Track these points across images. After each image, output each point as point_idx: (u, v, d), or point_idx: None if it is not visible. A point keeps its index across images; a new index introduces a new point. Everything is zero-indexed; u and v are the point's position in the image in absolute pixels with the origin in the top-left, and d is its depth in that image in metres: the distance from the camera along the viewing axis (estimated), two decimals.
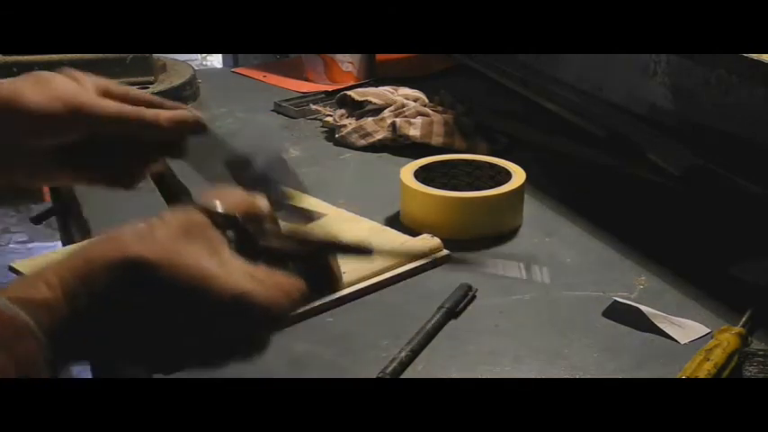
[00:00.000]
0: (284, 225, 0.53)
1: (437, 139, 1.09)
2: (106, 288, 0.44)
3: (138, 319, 0.46)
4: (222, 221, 0.48)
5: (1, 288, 0.44)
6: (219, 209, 0.49)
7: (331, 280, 0.53)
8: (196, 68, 1.38)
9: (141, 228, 0.47)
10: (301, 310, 0.50)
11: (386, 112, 1.14)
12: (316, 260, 0.52)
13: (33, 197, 2.55)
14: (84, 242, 0.49)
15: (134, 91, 0.62)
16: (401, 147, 1.10)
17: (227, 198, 0.50)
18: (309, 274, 0.50)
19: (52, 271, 0.45)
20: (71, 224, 1.04)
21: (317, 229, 0.54)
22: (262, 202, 0.51)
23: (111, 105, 0.59)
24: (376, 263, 0.79)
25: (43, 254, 0.82)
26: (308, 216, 0.61)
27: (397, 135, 1.10)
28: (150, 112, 0.59)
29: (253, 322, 0.47)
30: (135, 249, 0.45)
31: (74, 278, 0.44)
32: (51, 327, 0.43)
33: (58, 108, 0.57)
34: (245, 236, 0.49)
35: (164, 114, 0.59)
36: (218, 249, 0.47)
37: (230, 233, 0.49)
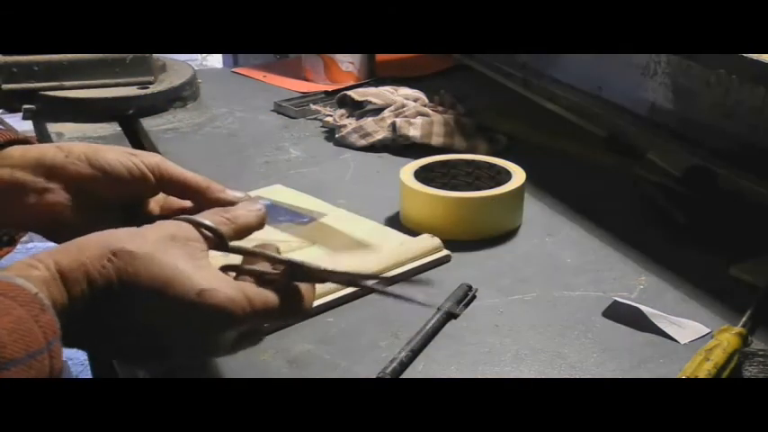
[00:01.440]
0: (268, 246, 0.57)
1: (437, 139, 1.09)
2: (94, 273, 0.49)
3: (116, 303, 0.50)
4: (209, 234, 0.54)
5: (4, 267, 0.48)
6: (208, 223, 0.54)
7: (299, 306, 0.56)
8: (196, 68, 1.38)
9: (134, 229, 0.52)
10: (267, 327, 0.53)
11: (386, 112, 1.14)
12: (285, 283, 0.55)
13: None
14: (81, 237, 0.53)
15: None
16: (401, 147, 1.10)
17: (216, 216, 0.56)
18: (281, 294, 0.54)
19: (46, 254, 0.49)
20: None
21: (293, 253, 0.57)
22: (248, 220, 0.57)
23: (185, 171, 0.63)
24: (376, 263, 0.79)
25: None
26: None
27: (397, 135, 1.10)
28: (216, 185, 0.63)
29: (209, 319, 0.51)
30: (123, 242, 0.50)
31: (67, 261, 0.49)
32: (52, 303, 0.47)
33: (134, 166, 0.61)
34: (227, 251, 0.55)
35: (229, 192, 0.63)
36: (195, 255, 0.52)
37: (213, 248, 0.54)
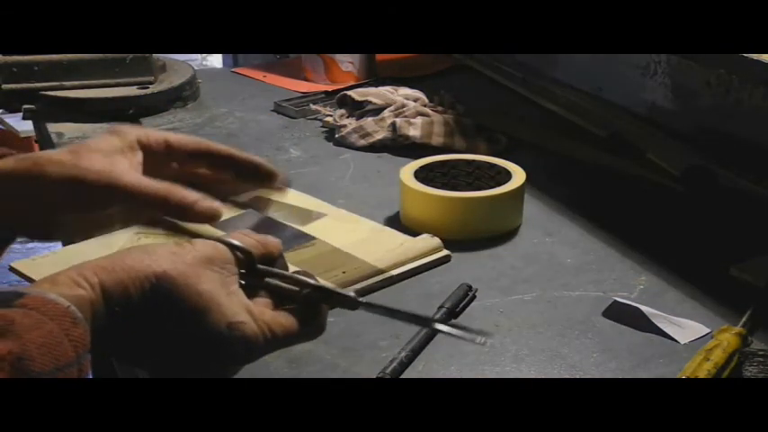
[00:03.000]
0: (291, 267, 0.59)
1: (437, 139, 1.09)
2: (136, 295, 0.51)
3: (152, 326, 0.52)
4: (241, 256, 0.56)
5: (49, 281, 0.49)
6: (241, 245, 0.56)
7: (317, 326, 0.57)
8: (196, 68, 1.38)
9: (174, 248, 0.54)
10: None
11: (386, 112, 1.14)
12: (307, 304, 0.57)
13: None
14: (123, 249, 0.54)
15: (195, 141, 0.64)
16: (401, 147, 1.10)
17: (248, 238, 0.57)
18: (300, 315, 0.56)
19: (92, 271, 0.50)
20: None
21: (315, 275, 0.58)
22: (275, 246, 0.59)
23: (148, 184, 0.59)
24: (376, 263, 0.79)
25: (43, 254, 0.82)
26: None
27: (397, 135, 1.10)
28: (190, 198, 0.60)
29: (234, 350, 0.53)
30: (165, 266, 0.52)
31: (111, 282, 0.50)
32: (92, 322, 0.49)
33: (85, 183, 0.58)
34: (255, 272, 0.56)
35: (201, 205, 0.60)
36: (228, 282, 0.54)
37: (242, 269, 0.56)
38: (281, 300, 0.57)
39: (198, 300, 0.52)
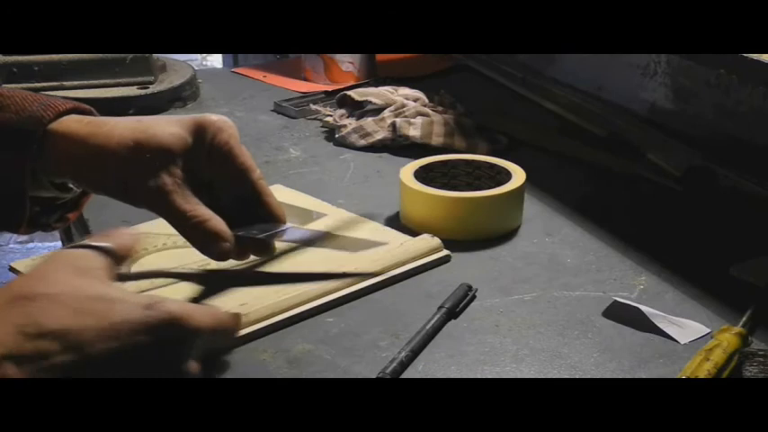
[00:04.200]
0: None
1: (437, 139, 1.09)
2: (29, 335, 0.45)
3: (78, 348, 0.47)
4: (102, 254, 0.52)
5: None
6: (94, 243, 0.53)
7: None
8: (196, 68, 1.38)
9: (34, 273, 0.49)
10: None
11: (386, 112, 1.14)
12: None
13: None
14: None
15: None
16: (401, 147, 1.10)
17: (108, 237, 0.54)
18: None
19: None
20: (71, 224, 1.04)
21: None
22: (129, 240, 0.55)
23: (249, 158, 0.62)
24: (376, 263, 0.79)
25: (42, 254, 0.82)
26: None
27: (397, 135, 1.10)
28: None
29: (175, 334, 0.50)
30: (32, 290, 0.47)
31: None
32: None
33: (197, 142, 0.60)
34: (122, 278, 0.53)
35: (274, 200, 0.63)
36: (107, 281, 0.50)
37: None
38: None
39: (91, 304, 0.47)
